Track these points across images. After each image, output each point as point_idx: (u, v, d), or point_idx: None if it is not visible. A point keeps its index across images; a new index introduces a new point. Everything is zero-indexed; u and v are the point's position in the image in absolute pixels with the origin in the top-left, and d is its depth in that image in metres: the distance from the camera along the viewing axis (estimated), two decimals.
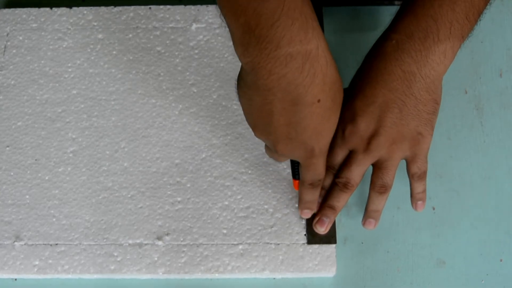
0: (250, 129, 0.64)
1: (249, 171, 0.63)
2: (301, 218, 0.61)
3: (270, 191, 0.62)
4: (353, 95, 0.57)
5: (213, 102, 0.66)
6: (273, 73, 0.44)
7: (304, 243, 0.60)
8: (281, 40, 0.43)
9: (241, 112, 0.65)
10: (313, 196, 0.59)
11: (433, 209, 0.64)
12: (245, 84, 0.48)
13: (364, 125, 0.56)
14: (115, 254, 0.60)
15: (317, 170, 0.55)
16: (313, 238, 0.60)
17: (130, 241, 0.61)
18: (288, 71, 0.44)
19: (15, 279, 0.61)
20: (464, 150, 0.67)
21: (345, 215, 0.63)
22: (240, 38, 0.45)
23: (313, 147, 0.52)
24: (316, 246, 0.60)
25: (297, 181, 0.59)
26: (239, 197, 0.62)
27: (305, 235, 0.60)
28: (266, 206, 0.62)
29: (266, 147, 0.58)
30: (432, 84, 0.56)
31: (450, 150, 0.66)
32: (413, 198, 0.60)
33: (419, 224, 0.63)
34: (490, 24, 0.73)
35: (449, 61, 0.56)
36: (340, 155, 0.58)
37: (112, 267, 0.60)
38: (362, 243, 0.62)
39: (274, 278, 0.60)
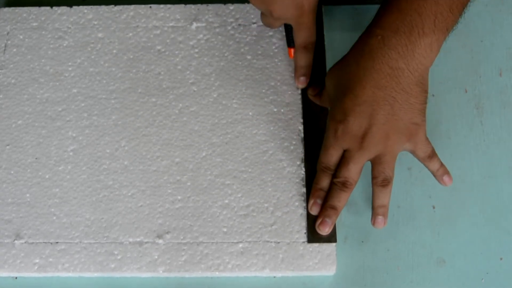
0: (251, 128, 0.65)
1: (249, 170, 0.63)
2: (301, 215, 0.61)
3: (270, 189, 0.62)
4: (343, 95, 0.57)
5: (213, 101, 0.66)
6: None
7: (304, 242, 0.60)
8: None
9: (241, 110, 0.65)
10: (308, 61, 0.65)
11: (433, 208, 0.64)
12: None
13: (356, 125, 0.56)
14: (116, 252, 0.60)
15: (309, 29, 0.63)
16: (313, 237, 0.60)
17: (131, 240, 0.61)
18: None
19: (16, 278, 0.61)
20: (464, 149, 0.67)
21: (345, 214, 0.63)
22: None
23: (303, 3, 0.60)
24: (316, 244, 0.60)
25: (292, 49, 0.66)
26: (239, 195, 0.62)
27: (305, 233, 0.60)
28: (266, 205, 0.62)
29: (262, 14, 0.65)
30: (420, 77, 0.56)
31: (450, 149, 0.66)
32: (437, 176, 0.61)
33: (419, 222, 0.63)
34: (490, 24, 0.73)
35: (435, 54, 0.56)
36: (335, 156, 0.59)
37: (113, 266, 0.60)
38: (362, 241, 0.62)
39: (274, 277, 0.60)
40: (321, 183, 0.60)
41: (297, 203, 0.61)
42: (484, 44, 0.72)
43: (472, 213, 0.64)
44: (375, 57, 0.55)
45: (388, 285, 0.61)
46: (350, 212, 0.63)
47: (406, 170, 0.65)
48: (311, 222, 0.60)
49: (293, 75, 0.67)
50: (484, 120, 0.68)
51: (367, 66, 0.56)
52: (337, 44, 0.70)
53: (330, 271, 0.59)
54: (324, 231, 0.59)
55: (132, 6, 0.71)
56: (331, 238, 0.60)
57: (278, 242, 0.60)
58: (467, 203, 0.64)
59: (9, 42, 0.70)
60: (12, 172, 0.64)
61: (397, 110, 0.56)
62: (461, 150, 0.67)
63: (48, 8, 0.71)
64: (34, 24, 0.70)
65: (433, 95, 0.69)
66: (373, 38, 0.56)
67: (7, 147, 0.65)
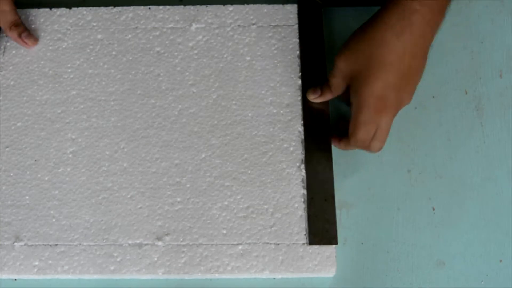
0: (250, 129, 0.65)
1: (249, 171, 0.63)
2: (301, 217, 0.61)
3: (269, 191, 0.62)
4: (379, 69, 0.57)
5: (213, 102, 0.66)
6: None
7: (304, 243, 0.60)
8: None
9: (241, 112, 0.66)
10: None
11: (433, 209, 0.64)
12: None
13: (398, 98, 0.58)
14: (115, 254, 0.60)
15: None
16: (314, 238, 0.60)
17: (130, 242, 0.61)
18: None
19: (15, 279, 0.61)
20: (464, 150, 0.66)
21: (345, 216, 0.63)
22: None
23: None
24: (316, 246, 0.60)
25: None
26: (238, 197, 0.62)
27: (305, 235, 0.60)
28: (266, 206, 0.62)
29: None
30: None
31: (450, 150, 0.66)
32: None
33: (419, 224, 0.63)
34: (490, 25, 0.73)
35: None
36: (372, 131, 0.59)
37: (112, 268, 0.60)
38: (362, 243, 0.62)
39: (274, 278, 0.60)
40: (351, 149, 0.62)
41: (296, 205, 0.61)
42: (484, 45, 0.71)
43: (472, 215, 0.64)
44: (415, 32, 0.55)
45: (387, 287, 0.61)
46: (349, 214, 0.63)
47: (405, 172, 0.65)
48: (312, 223, 0.60)
49: (292, 76, 0.67)
50: (484, 121, 0.68)
51: (406, 39, 0.56)
52: (337, 45, 0.70)
53: (329, 273, 0.59)
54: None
55: (131, 8, 0.71)
56: (331, 240, 0.60)
57: (278, 244, 0.60)
58: (467, 205, 0.64)
59: (8, 44, 0.69)
60: (11, 174, 0.64)
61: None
62: (461, 152, 0.66)
63: (47, 9, 0.71)
64: (33, 25, 0.70)
65: (433, 97, 0.69)
66: (413, 14, 0.55)
67: (7, 149, 0.65)
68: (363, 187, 0.64)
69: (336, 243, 0.60)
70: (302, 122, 0.65)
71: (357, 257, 0.62)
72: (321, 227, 0.60)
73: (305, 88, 0.66)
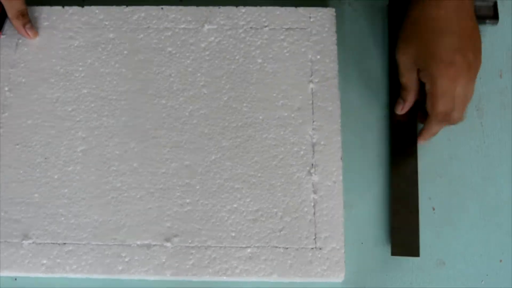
0: (261, 132, 0.65)
1: (259, 174, 0.63)
2: (310, 221, 0.61)
3: (279, 194, 0.62)
4: (441, 37, 0.59)
5: (224, 104, 0.66)
6: None
7: (313, 248, 0.60)
8: None
9: (252, 114, 0.65)
10: None
11: (433, 209, 0.64)
12: None
13: (465, 61, 0.59)
14: (123, 254, 0.60)
15: None
16: (397, 250, 0.61)
17: (138, 242, 0.60)
18: None
19: (15, 279, 0.62)
20: (464, 150, 0.67)
21: (345, 216, 0.63)
22: None
23: None
24: (325, 251, 0.59)
25: None
26: (248, 200, 0.62)
27: (314, 239, 0.60)
28: (275, 210, 0.61)
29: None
30: None
31: (450, 150, 0.67)
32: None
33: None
34: (490, 24, 0.72)
35: None
36: (452, 101, 0.60)
37: (120, 268, 0.60)
38: (361, 243, 0.63)
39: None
40: (436, 132, 0.63)
41: (306, 209, 0.61)
42: (484, 45, 0.70)
43: (472, 215, 0.64)
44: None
45: (388, 287, 0.61)
46: (349, 214, 0.63)
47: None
48: (395, 235, 0.61)
49: (304, 79, 0.67)
50: (484, 121, 0.68)
51: (454, 2, 0.58)
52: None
53: (338, 278, 0.59)
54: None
55: (144, 7, 0.71)
56: (414, 252, 0.61)
57: (287, 248, 0.60)
58: (467, 204, 0.64)
59: (20, 41, 0.69)
60: (21, 171, 0.64)
61: None
62: (461, 152, 0.67)
63: (59, 7, 0.71)
64: (46, 23, 0.70)
65: None
66: None
67: (17, 146, 0.65)
68: (363, 187, 0.64)
69: (418, 255, 0.61)
70: (313, 125, 0.65)
71: (357, 258, 0.62)
72: (405, 239, 0.61)
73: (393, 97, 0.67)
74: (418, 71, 0.61)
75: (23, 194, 0.63)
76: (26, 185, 0.63)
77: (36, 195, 0.63)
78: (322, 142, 0.64)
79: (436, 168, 0.66)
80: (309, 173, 0.63)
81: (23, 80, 0.68)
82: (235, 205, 0.62)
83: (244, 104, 0.66)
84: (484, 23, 0.72)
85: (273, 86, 0.67)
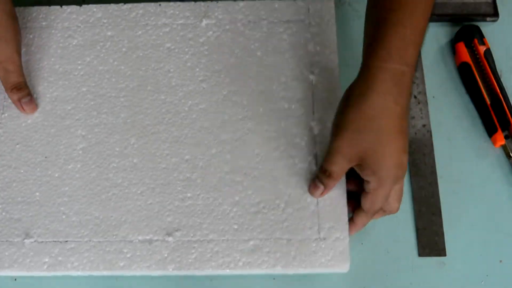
0: (261, 124, 0.64)
1: (260, 166, 0.62)
2: (313, 212, 0.60)
3: (281, 186, 0.61)
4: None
5: (223, 98, 0.66)
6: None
7: (316, 239, 0.59)
8: None
9: (252, 107, 0.65)
10: None
11: None
12: None
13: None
14: (125, 250, 0.60)
15: None
16: (424, 251, 0.62)
17: (140, 238, 0.60)
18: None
19: (15, 279, 0.61)
20: (464, 150, 0.66)
21: None
22: None
23: None
24: (329, 241, 0.59)
25: None
26: (249, 192, 0.61)
27: (317, 230, 0.59)
28: (277, 201, 0.61)
29: None
30: None
31: (450, 150, 0.66)
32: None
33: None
34: (490, 25, 0.72)
35: None
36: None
37: (122, 264, 0.59)
38: (361, 243, 0.62)
39: (273, 278, 0.61)
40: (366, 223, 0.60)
41: (308, 199, 0.60)
42: None
43: (472, 215, 0.63)
44: (406, 93, 0.55)
45: (387, 287, 0.60)
46: (349, 214, 0.62)
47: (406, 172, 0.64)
48: (421, 236, 0.62)
49: (304, 71, 0.66)
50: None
51: (402, 102, 0.54)
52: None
53: (343, 268, 0.58)
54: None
55: (142, 4, 0.71)
56: (440, 252, 0.61)
57: (290, 239, 0.59)
58: (467, 205, 0.64)
59: None
60: (21, 171, 0.64)
61: None
62: (461, 152, 0.66)
63: (57, 7, 0.71)
64: (44, 23, 0.70)
65: (433, 97, 0.69)
66: (404, 77, 0.54)
67: (17, 146, 0.65)
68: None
69: (444, 255, 0.61)
70: (314, 116, 0.64)
71: (357, 257, 0.61)
72: (431, 240, 0.62)
73: None
74: (358, 166, 0.56)
75: (23, 193, 0.63)
76: (27, 184, 0.63)
77: (37, 193, 0.62)
78: (323, 133, 0.63)
79: (436, 169, 0.65)
80: (311, 164, 0.62)
81: None
82: (236, 198, 0.61)
83: (244, 98, 0.66)
84: (484, 20, 0.72)
85: (272, 78, 0.66)
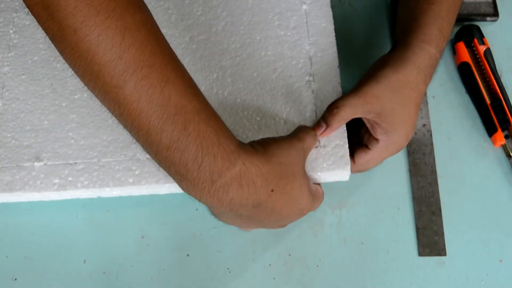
0: (259, 50, 0.67)
1: (260, 87, 0.65)
2: (313, 123, 0.62)
3: (281, 103, 0.64)
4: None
5: (222, 28, 0.68)
6: (222, 200, 0.49)
7: (316, 146, 0.61)
8: (213, 177, 0.48)
9: (249, 35, 0.67)
10: None
11: None
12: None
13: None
14: (134, 168, 0.61)
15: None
16: (424, 250, 0.62)
17: (148, 156, 0.62)
18: (233, 195, 0.49)
19: (15, 279, 0.62)
20: (464, 150, 0.67)
21: (345, 216, 0.64)
22: (180, 184, 0.50)
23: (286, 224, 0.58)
24: (329, 148, 0.61)
25: None
26: (251, 111, 0.64)
27: (320, 143, 0.61)
28: (277, 118, 0.63)
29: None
30: None
31: (450, 150, 0.67)
32: None
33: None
34: (490, 24, 0.73)
35: None
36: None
37: (131, 180, 0.61)
38: (362, 243, 0.62)
39: (274, 278, 0.61)
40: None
41: (308, 114, 0.63)
42: None
43: (472, 215, 0.64)
44: (431, 76, 0.59)
45: (388, 286, 0.61)
46: (349, 214, 0.64)
47: (405, 171, 0.66)
48: (421, 236, 0.62)
49: (297, 1, 0.69)
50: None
51: (427, 83, 0.59)
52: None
53: (344, 173, 0.60)
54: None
55: None
56: (441, 251, 0.62)
57: None
58: (467, 204, 0.64)
59: None
60: (29, 102, 0.66)
61: None
62: (461, 151, 0.67)
63: None
64: None
65: (433, 97, 0.70)
66: (435, 61, 0.59)
67: (23, 78, 0.67)
68: (363, 187, 0.65)
69: (445, 254, 0.62)
70: (309, 41, 0.67)
71: (357, 257, 0.62)
72: (431, 240, 0.62)
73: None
74: (372, 122, 0.58)
75: (32, 122, 0.64)
76: (35, 114, 0.65)
77: (45, 122, 0.64)
78: (319, 54, 0.66)
79: (436, 168, 0.66)
80: (309, 82, 0.65)
81: (27, 22, 0.70)
82: (238, 116, 0.63)
83: (241, 27, 0.68)
84: (484, 20, 0.73)
85: (268, 10, 0.69)
